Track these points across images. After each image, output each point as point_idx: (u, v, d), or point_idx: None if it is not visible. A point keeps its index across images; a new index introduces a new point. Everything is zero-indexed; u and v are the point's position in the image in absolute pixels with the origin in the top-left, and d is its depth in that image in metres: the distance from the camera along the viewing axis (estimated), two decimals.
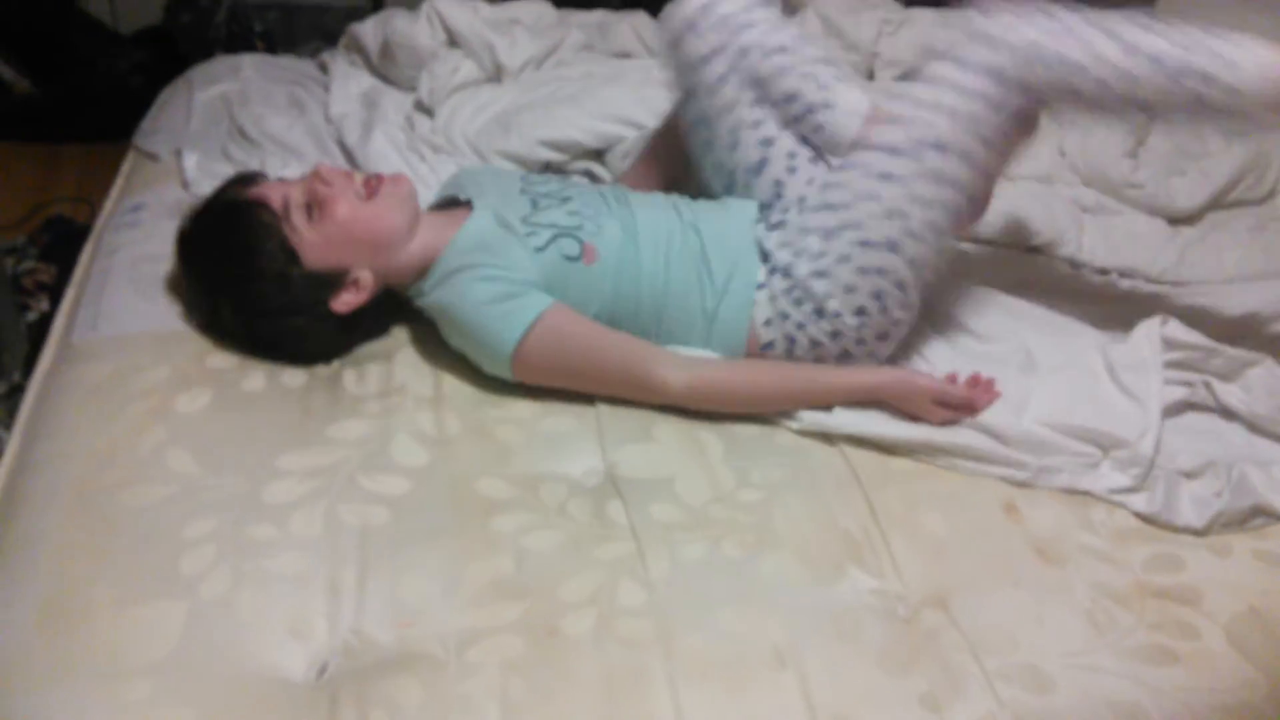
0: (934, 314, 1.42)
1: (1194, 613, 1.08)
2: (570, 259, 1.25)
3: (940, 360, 1.34)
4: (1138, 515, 1.19)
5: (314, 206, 1.21)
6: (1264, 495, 1.19)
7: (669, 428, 1.23)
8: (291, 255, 1.21)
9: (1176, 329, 1.36)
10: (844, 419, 1.24)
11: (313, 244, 1.21)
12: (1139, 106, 1.22)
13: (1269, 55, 1.18)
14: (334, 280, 1.23)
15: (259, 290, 1.21)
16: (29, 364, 1.96)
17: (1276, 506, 1.19)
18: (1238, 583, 1.11)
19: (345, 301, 1.23)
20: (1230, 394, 1.32)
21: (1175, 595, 1.09)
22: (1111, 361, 1.33)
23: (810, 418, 1.24)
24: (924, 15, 2.04)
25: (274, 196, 1.22)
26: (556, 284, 1.23)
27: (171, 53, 2.87)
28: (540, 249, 1.24)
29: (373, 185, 1.25)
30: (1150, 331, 1.35)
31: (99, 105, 2.76)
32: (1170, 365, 1.32)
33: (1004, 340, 1.39)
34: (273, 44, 3.00)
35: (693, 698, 0.94)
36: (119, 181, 1.60)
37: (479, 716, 0.90)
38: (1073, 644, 1.03)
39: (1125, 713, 0.98)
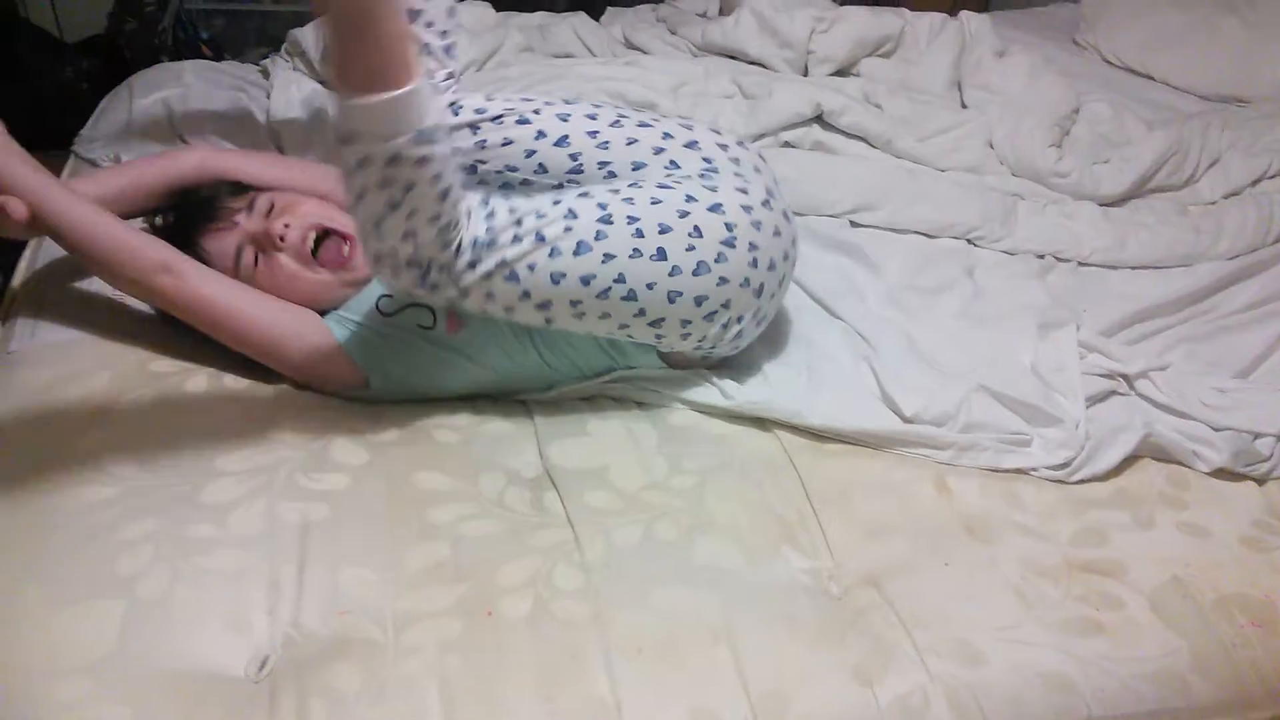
0: (875, 309, 1.46)
1: (1118, 584, 1.11)
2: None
3: (887, 353, 1.37)
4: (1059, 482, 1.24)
5: (263, 249, 1.25)
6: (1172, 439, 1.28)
7: (603, 423, 1.25)
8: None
9: (1092, 336, 1.43)
10: (773, 403, 1.26)
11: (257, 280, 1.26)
12: None
13: None
14: None
15: None
16: None
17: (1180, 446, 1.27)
18: (1161, 554, 1.15)
19: None
20: (1145, 388, 1.38)
21: (1100, 568, 1.13)
22: (1035, 362, 1.38)
23: (741, 397, 1.26)
24: (857, 13, 2.07)
25: (230, 242, 1.26)
26: None
27: (118, 60, 2.84)
28: None
29: (329, 256, 1.27)
30: (1067, 337, 1.42)
31: (44, 113, 2.72)
32: (1088, 370, 1.38)
33: (939, 329, 1.43)
34: (219, 50, 2.99)
35: (628, 675, 0.95)
36: None
37: (418, 696, 0.91)
38: (1002, 618, 1.06)
39: (1054, 684, 1.01)
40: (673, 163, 1.23)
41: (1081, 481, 1.24)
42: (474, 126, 1.20)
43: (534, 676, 0.95)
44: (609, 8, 2.39)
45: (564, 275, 1.14)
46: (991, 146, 1.82)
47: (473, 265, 1.11)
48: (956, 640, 1.03)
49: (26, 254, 1.44)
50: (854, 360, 1.37)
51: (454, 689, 0.93)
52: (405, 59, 0.97)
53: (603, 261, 1.15)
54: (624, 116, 1.26)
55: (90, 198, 1.24)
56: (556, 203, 1.16)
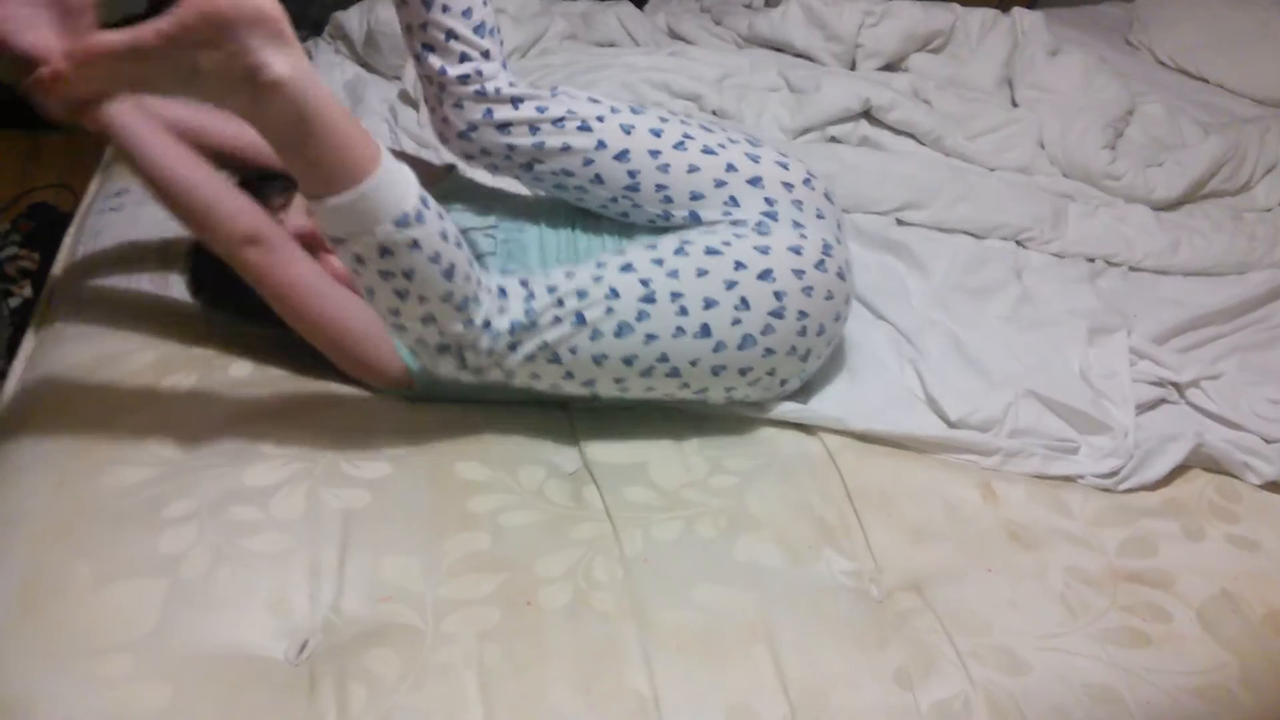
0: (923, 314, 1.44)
1: (1166, 596, 1.09)
2: None
3: (933, 356, 1.35)
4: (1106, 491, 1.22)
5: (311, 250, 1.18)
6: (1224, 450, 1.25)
7: (643, 421, 1.23)
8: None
9: (1143, 342, 1.40)
10: (816, 411, 1.25)
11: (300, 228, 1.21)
12: None
13: None
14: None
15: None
16: (11, 349, 1.96)
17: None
18: (1210, 566, 1.13)
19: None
20: (1196, 397, 1.36)
21: (1148, 579, 1.11)
22: (1084, 368, 1.36)
23: (786, 408, 1.25)
24: (907, 7, 2.05)
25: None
26: None
27: None
28: None
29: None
30: (1119, 343, 1.40)
31: None
32: (1138, 377, 1.36)
33: (986, 332, 1.41)
34: None
35: (666, 669, 0.95)
36: (101, 168, 1.60)
37: (457, 684, 0.91)
38: (1046, 627, 1.04)
39: (1099, 694, 0.99)
40: (732, 199, 1.19)
41: (1130, 490, 1.22)
42: (533, 126, 1.17)
43: (572, 667, 0.94)
44: None
45: (606, 357, 1.13)
46: (1042, 146, 1.79)
47: (514, 348, 1.10)
48: (999, 647, 1.02)
49: (71, 231, 1.46)
50: (899, 363, 1.36)
51: (492, 677, 0.92)
52: (355, 152, 0.93)
53: (645, 343, 1.12)
54: (689, 137, 1.20)
55: (162, 121, 1.14)
56: (598, 280, 1.12)
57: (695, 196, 1.19)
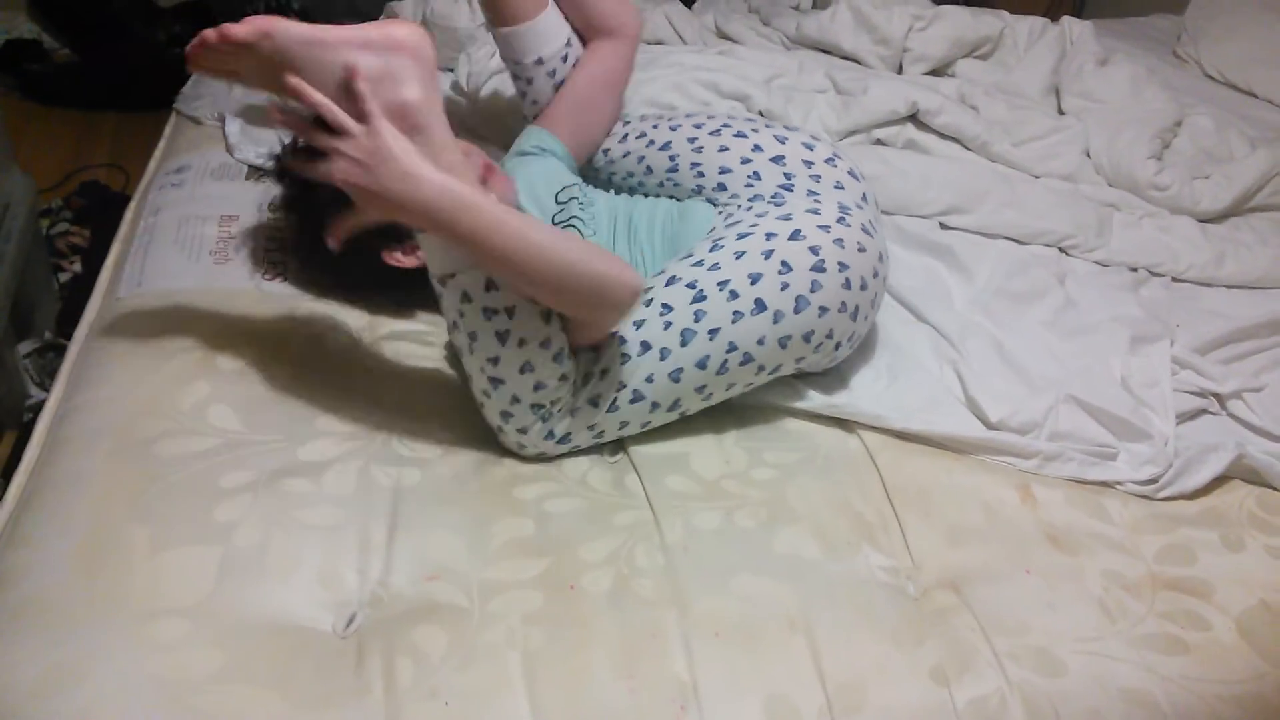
0: (960, 316, 1.44)
1: (1205, 604, 1.09)
2: None
3: (974, 358, 1.36)
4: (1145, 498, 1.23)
5: None
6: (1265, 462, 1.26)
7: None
8: None
9: (1185, 352, 1.40)
10: (855, 406, 1.26)
11: None
12: None
13: None
14: (396, 235, 1.21)
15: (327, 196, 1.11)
16: (60, 323, 2.01)
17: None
18: (1250, 577, 1.13)
19: (396, 258, 1.23)
20: (1238, 409, 1.36)
21: (1187, 587, 1.11)
22: (1126, 376, 1.36)
23: (826, 403, 1.26)
24: (956, 12, 2.04)
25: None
26: None
27: (208, 25, 2.89)
28: None
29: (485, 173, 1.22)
30: (1161, 352, 1.39)
31: (136, 75, 2.80)
32: (1180, 386, 1.36)
33: (1028, 336, 1.41)
34: (309, 20, 3.03)
35: (706, 656, 0.96)
36: (161, 144, 1.63)
37: (501, 664, 0.93)
38: (1084, 630, 1.05)
39: (1135, 699, 1.00)
40: (755, 174, 1.29)
41: (1169, 499, 1.22)
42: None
43: (614, 651, 0.96)
44: None
45: (681, 370, 1.14)
46: (1088, 155, 1.79)
47: (595, 403, 1.13)
48: (1036, 649, 1.02)
49: (132, 206, 1.49)
50: (939, 364, 1.36)
51: (536, 659, 0.94)
52: (460, 190, 0.93)
53: (710, 339, 1.14)
54: (726, 126, 1.34)
55: None
56: (649, 304, 1.15)
57: (724, 170, 1.31)
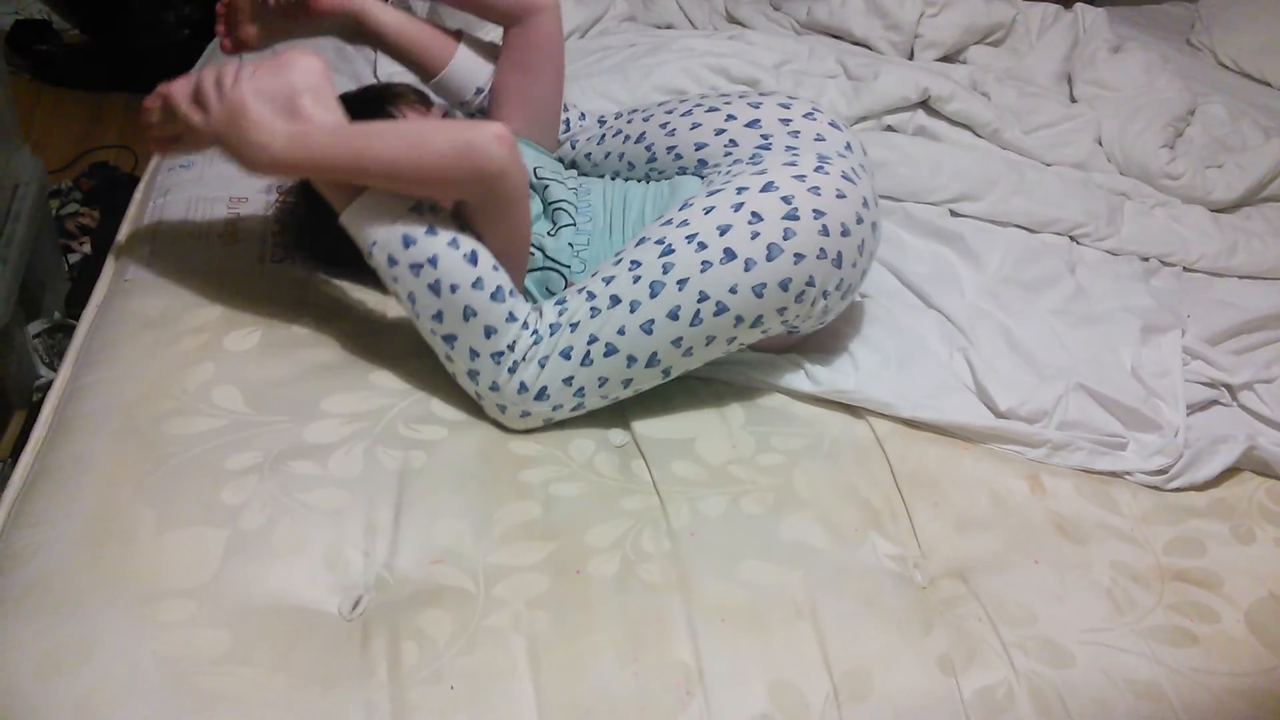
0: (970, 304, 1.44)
1: (1214, 596, 1.09)
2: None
3: (984, 345, 1.36)
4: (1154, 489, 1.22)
5: None
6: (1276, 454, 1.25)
7: (691, 398, 1.25)
8: None
9: (1196, 343, 1.39)
10: (863, 392, 1.25)
11: None
12: None
13: None
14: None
15: None
16: (69, 303, 2.01)
17: None
18: (1260, 569, 1.12)
19: None
20: (1249, 400, 1.35)
21: (1196, 578, 1.11)
22: (1136, 366, 1.35)
23: (828, 384, 1.25)
24: None
25: (411, 115, 1.25)
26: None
27: (218, 8, 2.89)
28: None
29: None
30: (1172, 342, 1.39)
31: (145, 57, 2.80)
32: (1190, 377, 1.36)
33: (1038, 325, 1.40)
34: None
35: (712, 641, 0.96)
36: None
37: (506, 649, 0.93)
38: (1092, 621, 1.05)
39: (1143, 691, 1.00)
40: (731, 141, 1.28)
41: (1178, 490, 1.22)
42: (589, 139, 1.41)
43: (619, 636, 0.96)
44: None
45: (653, 321, 1.13)
46: (1100, 143, 1.78)
47: (565, 355, 1.13)
48: (1044, 639, 1.02)
49: (140, 188, 1.48)
50: (949, 351, 1.36)
51: (541, 644, 0.94)
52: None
53: (679, 289, 1.13)
54: (698, 105, 1.34)
55: None
56: (618, 262, 1.16)
57: (699, 146, 1.30)
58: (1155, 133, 1.76)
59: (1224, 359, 1.38)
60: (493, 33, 1.43)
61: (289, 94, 1.07)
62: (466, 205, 1.12)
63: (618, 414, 1.21)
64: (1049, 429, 1.24)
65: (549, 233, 1.28)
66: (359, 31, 1.36)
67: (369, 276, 1.29)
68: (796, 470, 1.16)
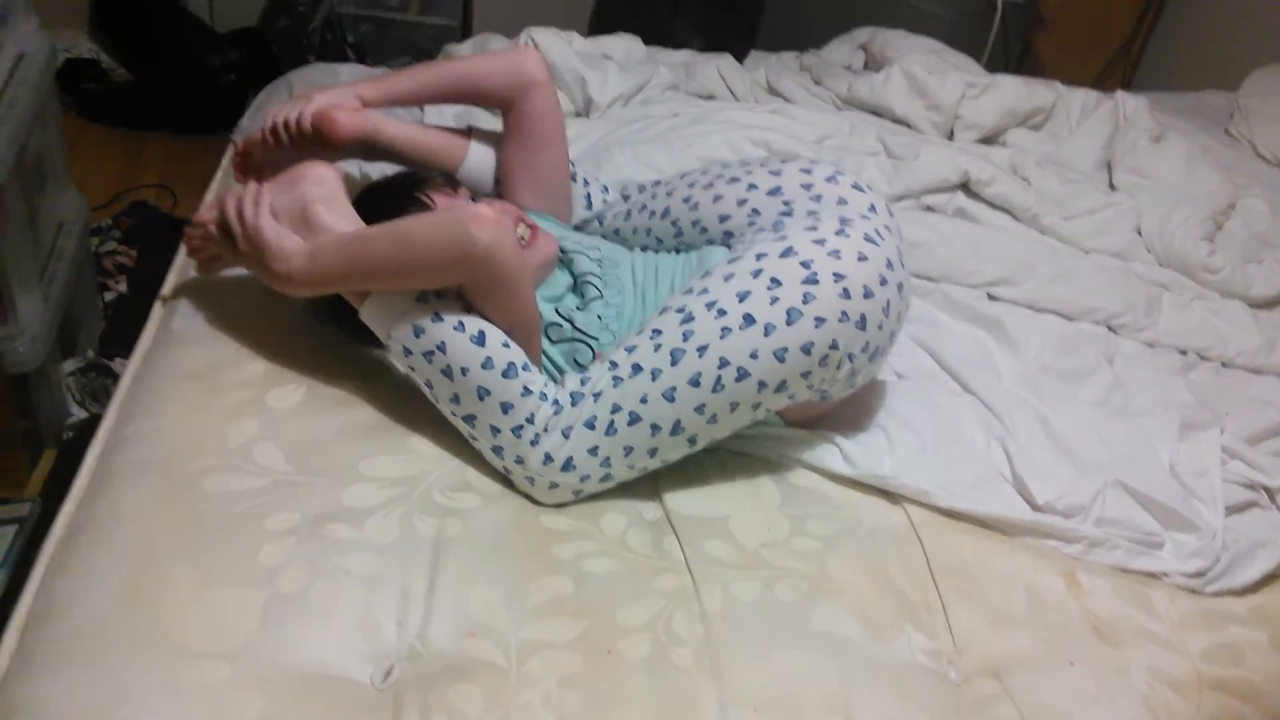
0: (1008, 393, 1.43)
1: (1253, 710, 1.07)
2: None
3: (1021, 435, 1.35)
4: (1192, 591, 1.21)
5: None
6: None
7: (724, 474, 1.24)
8: None
9: (1235, 442, 1.38)
10: (900, 478, 1.24)
11: None
12: None
13: None
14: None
15: None
16: (103, 342, 2.02)
17: None
18: None
19: None
20: None
21: (1234, 689, 1.09)
22: (1174, 464, 1.34)
23: (865, 468, 1.25)
24: (1010, 81, 2.05)
25: (440, 199, 1.28)
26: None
27: (264, 54, 2.95)
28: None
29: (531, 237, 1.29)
30: (1211, 441, 1.38)
31: (190, 98, 2.85)
32: (1229, 477, 1.35)
33: (1076, 416, 1.40)
34: (363, 55, 3.08)
35: None
36: (219, 175, 1.64)
37: None
38: None
39: None
40: (754, 210, 1.29)
41: (1216, 594, 1.20)
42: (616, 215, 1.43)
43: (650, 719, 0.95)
44: (753, 51, 2.41)
45: (674, 388, 1.13)
46: (1139, 233, 1.78)
47: (590, 425, 1.13)
48: None
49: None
50: (986, 438, 1.35)
51: None
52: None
53: (700, 355, 1.13)
54: (720, 176, 1.35)
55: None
56: (639, 332, 1.18)
57: (723, 218, 1.32)
58: (1196, 225, 1.76)
59: (1263, 460, 1.37)
60: (498, 122, 1.46)
61: (303, 206, 1.16)
62: (466, 288, 1.14)
63: (650, 486, 1.21)
64: (1086, 525, 1.23)
65: (578, 306, 1.28)
66: (373, 150, 1.40)
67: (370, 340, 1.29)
68: (831, 556, 1.15)
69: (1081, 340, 1.55)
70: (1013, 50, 3.08)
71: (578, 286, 1.31)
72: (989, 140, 2.01)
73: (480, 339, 1.12)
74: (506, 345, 1.14)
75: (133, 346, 1.29)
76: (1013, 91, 2.03)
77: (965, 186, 1.79)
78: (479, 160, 1.44)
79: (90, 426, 1.78)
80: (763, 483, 1.24)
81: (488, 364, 1.11)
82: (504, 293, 1.14)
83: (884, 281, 1.19)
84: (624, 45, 2.12)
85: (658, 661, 1.00)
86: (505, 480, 1.17)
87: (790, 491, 1.24)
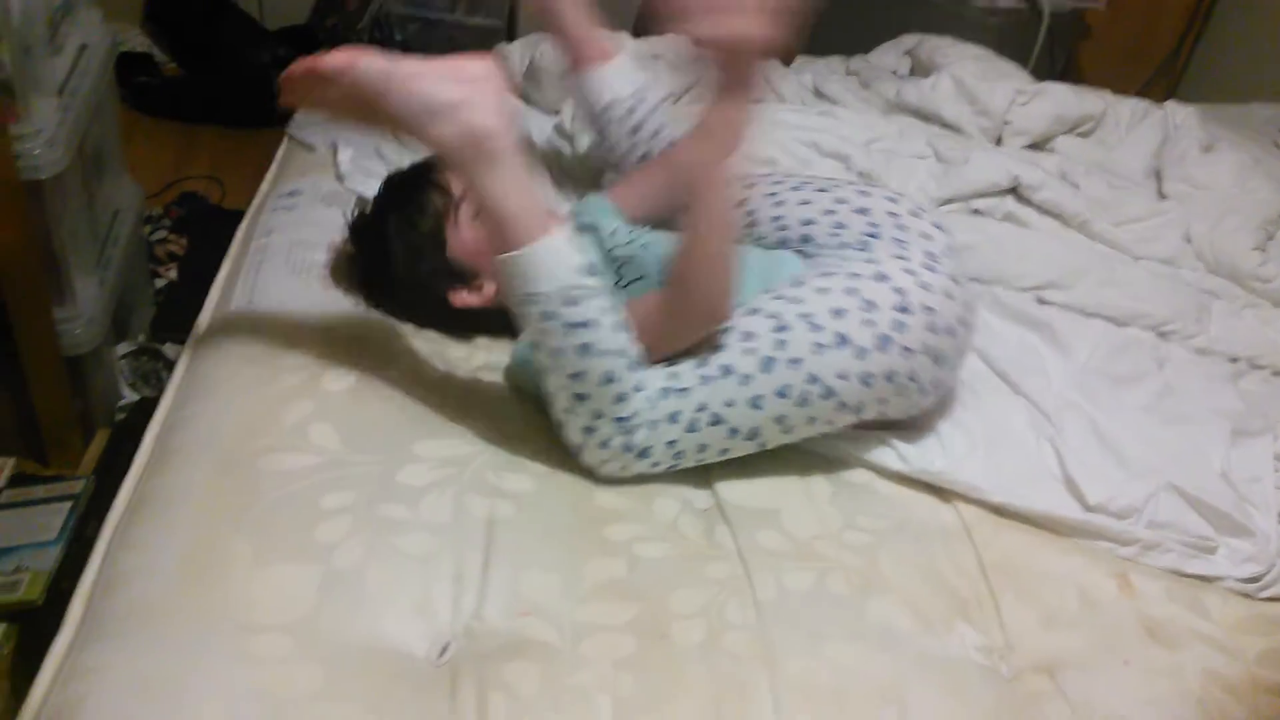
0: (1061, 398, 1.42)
1: None
2: None
3: (1071, 436, 1.34)
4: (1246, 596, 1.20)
5: None
6: None
7: (777, 466, 1.24)
8: (437, 239, 1.27)
9: None
10: (953, 475, 1.24)
11: (463, 241, 1.28)
12: None
13: None
14: (461, 276, 1.29)
15: (392, 249, 1.28)
16: (154, 327, 2.05)
17: None
18: None
19: (462, 299, 1.29)
20: None
21: None
22: (1226, 469, 1.33)
23: (917, 464, 1.24)
24: (1059, 89, 2.04)
25: (456, 185, 1.28)
26: None
27: (312, 51, 2.97)
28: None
29: None
30: (1264, 448, 1.37)
31: (238, 93, 2.88)
32: None
33: (1126, 421, 1.39)
34: (410, 52, 3.10)
35: (796, 717, 0.95)
36: (274, 167, 1.67)
37: (592, 707, 0.92)
38: None
39: None
40: (839, 224, 1.28)
41: (1271, 599, 1.19)
42: None
43: (704, 705, 0.95)
44: (799, 55, 2.41)
45: (762, 397, 1.14)
46: (1189, 241, 1.77)
47: (673, 419, 1.13)
48: None
49: (243, 226, 1.52)
50: (1036, 439, 1.34)
51: (627, 707, 0.93)
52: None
53: (791, 368, 1.14)
54: (806, 184, 1.35)
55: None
56: (728, 331, 1.16)
57: (806, 222, 1.30)
58: (1247, 233, 1.74)
59: None
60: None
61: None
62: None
63: (702, 476, 1.21)
64: (1139, 527, 1.22)
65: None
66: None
67: (441, 328, 1.32)
68: (882, 551, 1.15)
69: (1131, 345, 1.54)
70: (1057, 60, 3.06)
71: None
72: (1037, 146, 2.00)
73: (623, 327, 1.10)
74: (633, 339, 1.12)
75: (182, 332, 1.31)
76: (1062, 99, 2.02)
77: (1014, 191, 1.79)
78: (613, 76, 1.44)
79: (141, 408, 1.81)
80: (813, 476, 1.24)
81: (623, 353, 1.10)
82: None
83: (963, 322, 1.23)
84: (674, 44, 2.13)
85: (711, 647, 1.00)
86: (555, 461, 1.17)
87: (841, 487, 1.24)
